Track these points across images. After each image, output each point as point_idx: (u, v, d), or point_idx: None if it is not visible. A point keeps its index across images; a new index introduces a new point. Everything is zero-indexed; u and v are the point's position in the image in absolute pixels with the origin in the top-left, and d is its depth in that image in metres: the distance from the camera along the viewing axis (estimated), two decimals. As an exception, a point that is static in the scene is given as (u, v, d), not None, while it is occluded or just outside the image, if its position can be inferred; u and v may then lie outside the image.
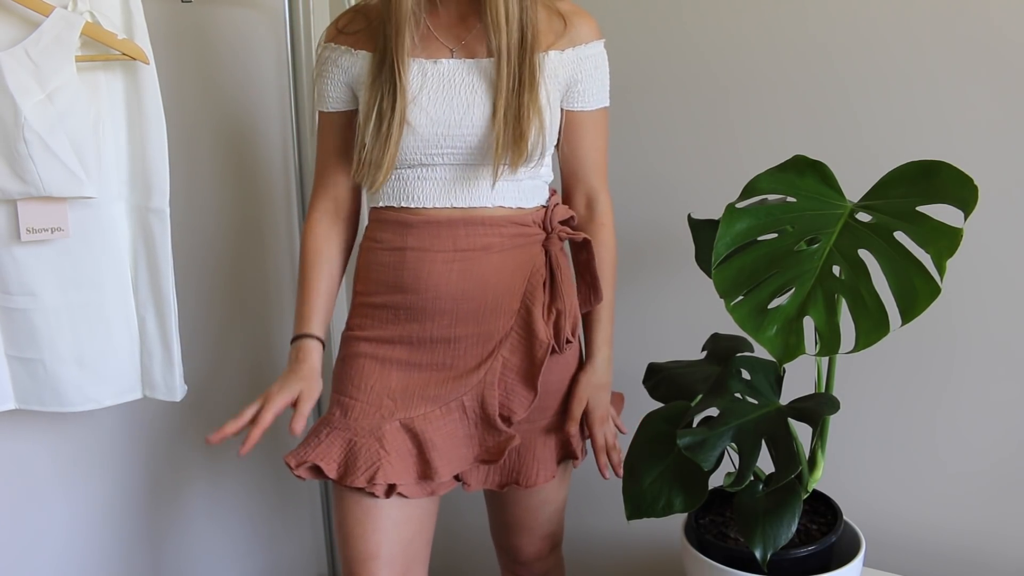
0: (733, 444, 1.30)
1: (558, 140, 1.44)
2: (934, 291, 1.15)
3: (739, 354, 1.43)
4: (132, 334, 1.58)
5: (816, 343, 1.26)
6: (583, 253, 1.46)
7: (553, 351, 1.41)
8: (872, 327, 1.18)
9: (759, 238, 1.30)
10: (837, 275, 1.24)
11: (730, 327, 1.36)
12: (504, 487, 1.47)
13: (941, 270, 1.14)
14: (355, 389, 1.40)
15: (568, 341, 1.43)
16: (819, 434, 1.38)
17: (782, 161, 1.32)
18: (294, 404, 1.38)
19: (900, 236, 1.21)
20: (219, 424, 1.98)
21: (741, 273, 1.27)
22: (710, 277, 1.29)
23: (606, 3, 1.74)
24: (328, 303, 1.48)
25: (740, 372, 1.39)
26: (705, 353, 1.54)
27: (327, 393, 1.47)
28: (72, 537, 1.75)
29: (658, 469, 1.37)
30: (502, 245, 1.38)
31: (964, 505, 1.63)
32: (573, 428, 1.45)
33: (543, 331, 1.39)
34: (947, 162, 1.22)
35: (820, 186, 1.31)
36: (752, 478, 1.30)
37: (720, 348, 1.51)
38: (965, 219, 1.17)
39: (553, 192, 1.47)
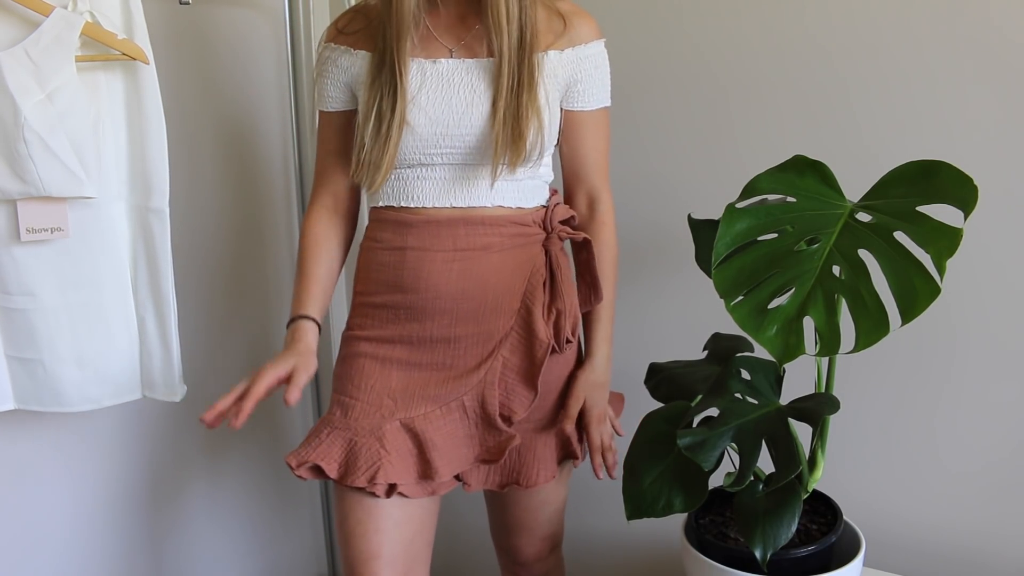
0: (733, 444, 1.30)
1: (558, 140, 1.44)
2: (934, 291, 1.15)
3: (739, 354, 1.43)
4: (131, 334, 1.58)
5: (816, 343, 1.26)
6: (583, 253, 1.46)
7: (553, 351, 1.41)
8: (872, 327, 1.18)
9: (759, 238, 1.30)
10: (837, 275, 1.24)
11: (730, 327, 1.36)
12: (504, 487, 1.47)
13: (941, 270, 1.14)
14: (355, 389, 1.40)
15: (568, 341, 1.43)
16: (819, 434, 1.38)
17: (782, 161, 1.32)
18: (288, 380, 1.34)
19: (900, 236, 1.21)
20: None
21: (741, 273, 1.27)
22: (710, 277, 1.29)
23: (606, 3, 1.74)
24: (325, 289, 1.46)
25: (740, 372, 1.39)
26: (705, 353, 1.54)
27: (327, 388, 1.47)
28: (72, 537, 1.75)
29: (658, 469, 1.37)
30: (502, 245, 1.38)
31: (964, 505, 1.63)
32: (569, 426, 1.44)
33: (543, 331, 1.39)
34: (947, 162, 1.22)
35: (820, 186, 1.31)
36: (752, 478, 1.30)
37: (720, 348, 1.51)
38: (965, 219, 1.17)
39: (554, 192, 1.47)
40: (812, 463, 1.40)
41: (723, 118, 1.71)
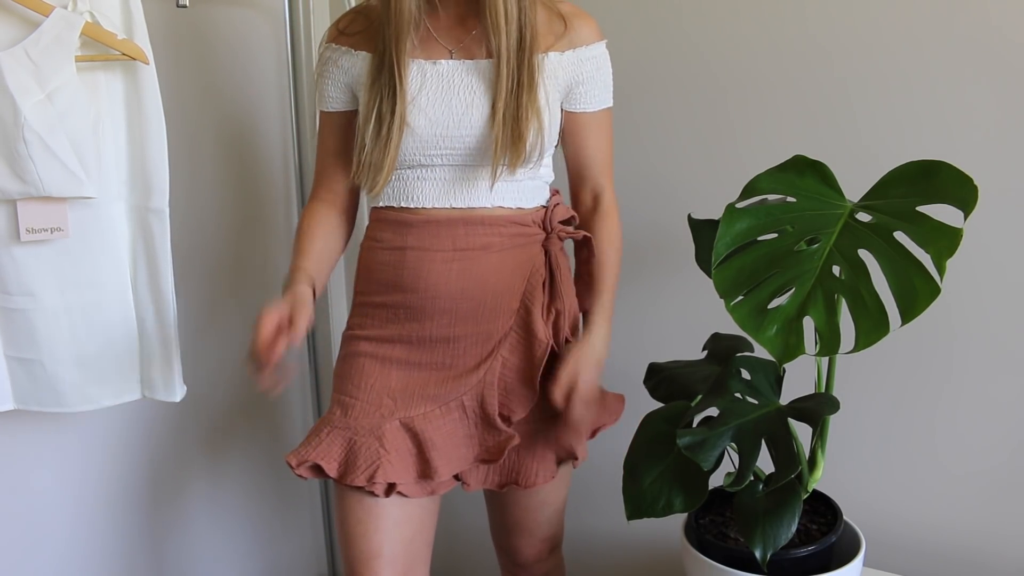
0: (733, 444, 1.30)
1: (561, 140, 1.44)
2: (934, 291, 1.15)
3: (739, 354, 1.43)
4: (131, 334, 1.58)
5: (816, 343, 1.26)
6: (584, 251, 1.45)
7: (552, 351, 1.41)
8: (872, 327, 1.18)
9: (759, 238, 1.30)
10: (837, 275, 1.24)
11: (730, 327, 1.36)
12: (504, 487, 1.47)
13: (941, 270, 1.14)
14: (355, 388, 1.40)
15: (567, 341, 1.43)
16: (819, 434, 1.38)
17: (782, 161, 1.32)
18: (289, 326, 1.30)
19: (900, 236, 1.21)
20: (219, 424, 1.99)
21: (741, 273, 1.27)
22: (710, 277, 1.29)
23: (606, 3, 1.74)
24: (322, 264, 1.43)
25: (740, 372, 1.39)
26: (705, 353, 1.54)
27: (327, 387, 1.47)
28: (73, 537, 1.75)
29: (658, 469, 1.37)
30: (501, 245, 1.38)
31: (964, 505, 1.63)
32: (558, 394, 1.35)
33: (542, 331, 1.39)
34: (947, 162, 1.22)
35: (820, 186, 1.31)
36: (752, 478, 1.30)
37: (720, 348, 1.51)
38: (965, 219, 1.17)
39: (554, 192, 1.47)
40: (812, 463, 1.40)
41: (723, 118, 1.71)
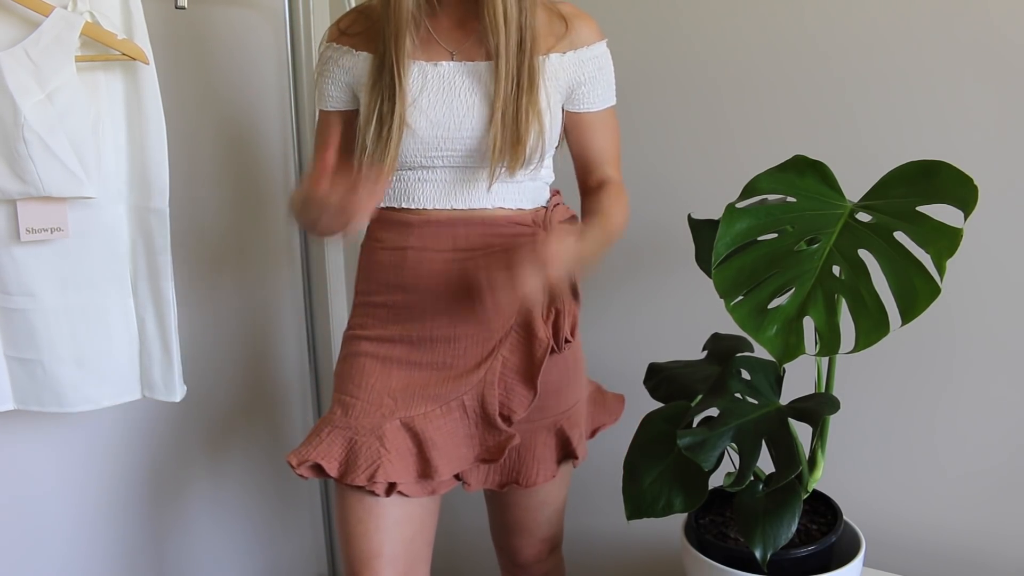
0: (733, 444, 1.30)
1: (567, 140, 1.44)
2: (934, 291, 1.15)
3: (739, 354, 1.43)
4: (131, 334, 1.58)
5: (816, 343, 1.26)
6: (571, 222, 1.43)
7: (552, 351, 1.41)
8: (872, 327, 1.18)
9: (759, 238, 1.30)
10: (837, 275, 1.24)
11: (730, 327, 1.36)
12: (504, 487, 1.47)
13: (941, 270, 1.14)
14: (356, 388, 1.40)
15: (567, 341, 1.43)
16: (819, 434, 1.38)
17: (782, 161, 1.32)
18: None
19: (900, 236, 1.21)
20: (219, 424, 1.99)
21: (741, 273, 1.27)
22: (710, 277, 1.29)
23: (606, 3, 1.74)
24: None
25: (740, 372, 1.39)
26: (705, 353, 1.54)
27: (327, 387, 1.47)
28: (73, 537, 1.75)
29: (658, 469, 1.37)
30: (502, 245, 1.38)
31: (964, 505, 1.63)
32: (527, 252, 1.19)
33: (542, 331, 1.39)
34: (947, 162, 1.22)
35: (820, 186, 1.31)
36: (752, 478, 1.30)
37: (720, 348, 1.51)
38: (965, 219, 1.17)
39: (554, 193, 1.47)
40: (812, 463, 1.40)
41: (722, 118, 1.71)
